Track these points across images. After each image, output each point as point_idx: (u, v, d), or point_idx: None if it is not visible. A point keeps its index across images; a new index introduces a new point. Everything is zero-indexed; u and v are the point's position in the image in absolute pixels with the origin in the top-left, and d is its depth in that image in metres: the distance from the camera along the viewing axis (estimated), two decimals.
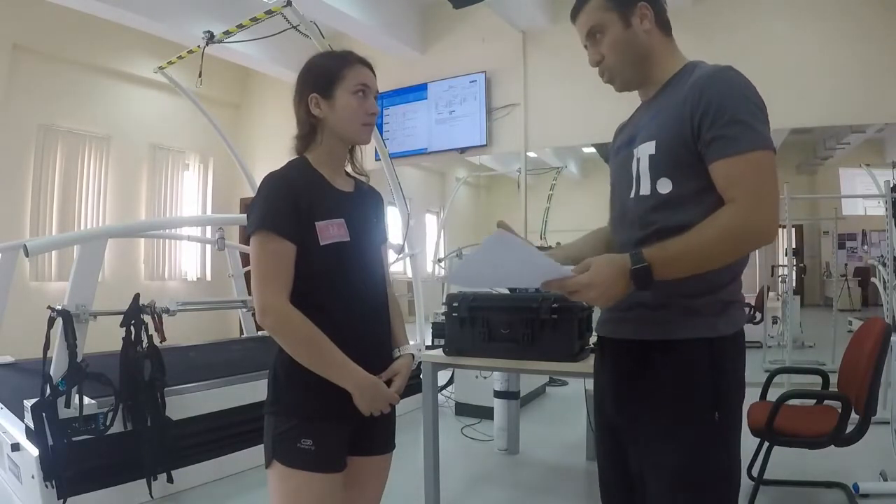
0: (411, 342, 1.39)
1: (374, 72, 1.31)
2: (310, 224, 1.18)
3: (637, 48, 1.13)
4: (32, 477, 2.28)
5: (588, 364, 2.05)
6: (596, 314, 2.48)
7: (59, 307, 2.49)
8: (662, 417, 1.05)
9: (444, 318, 2.35)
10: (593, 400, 1.29)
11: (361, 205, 1.32)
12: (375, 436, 1.30)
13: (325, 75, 1.25)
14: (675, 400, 1.04)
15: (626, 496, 1.17)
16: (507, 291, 2.25)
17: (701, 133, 1.01)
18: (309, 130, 1.28)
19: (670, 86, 1.12)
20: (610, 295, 0.96)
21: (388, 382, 1.26)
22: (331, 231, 1.20)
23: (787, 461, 2.54)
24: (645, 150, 1.09)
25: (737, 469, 1.08)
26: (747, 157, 0.97)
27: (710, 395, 1.03)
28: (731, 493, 1.06)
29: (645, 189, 1.09)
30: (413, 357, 1.35)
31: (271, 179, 1.20)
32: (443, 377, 3.46)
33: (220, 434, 2.88)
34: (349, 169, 1.37)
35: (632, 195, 1.12)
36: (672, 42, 1.17)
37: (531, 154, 5.93)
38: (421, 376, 2.33)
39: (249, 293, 1.14)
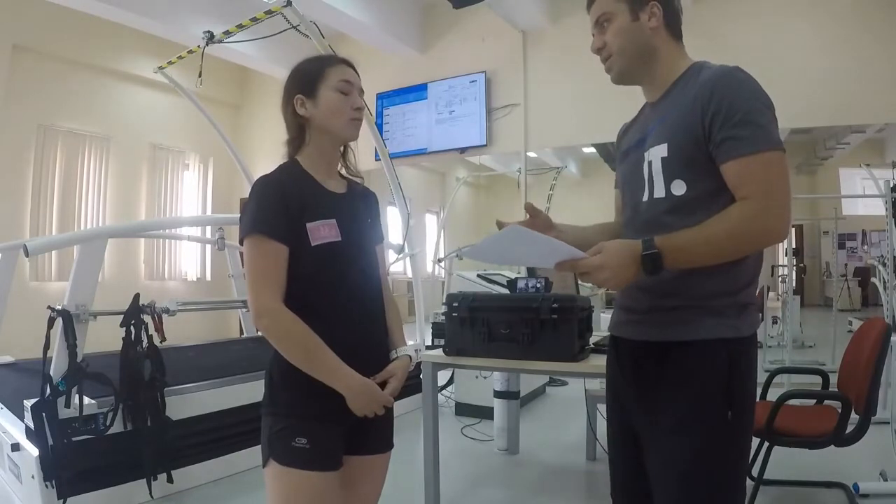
0: (411, 342, 1.39)
1: (356, 70, 1.32)
2: (301, 225, 1.19)
3: (640, 41, 1.13)
4: (32, 477, 2.28)
5: (588, 364, 2.06)
6: (596, 315, 2.48)
7: (59, 307, 2.49)
8: (677, 416, 1.06)
9: (444, 318, 2.34)
10: (606, 399, 1.29)
11: (354, 205, 1.32)
12: (373, 435, 1.30)
13: (308, 76, 1.27)
14: (691, 399, 1.05)
15: (639, 494, 1.17)
16: (507, 291, 2.25)
17: (712, 134, 1.01)
18: (297, 132, 1.29)
19: (677, 86, 1.12)
20: (621, 278, 0.98)
21: (384, 384, 1.26)
22: (322, 232, 1.21)
23: (787, 461, 2.54)
24: (657, 153, 1.09)
25: (745, 469, 1.09)
26: (759, 157, 0.98)
27: (725, 395, 1.03)
28: (738, 493, 1.07)
29: (659, 192, 1.09)
30: (410, 359, 1.35)
31: (261, 183, 1.21)
32: (443, 377, 3.46)
33: (220, 434, 2.88)
34: (343, 171, 1.37)
35: (645, 198, 1.13)
36: (680, 46, 1.17)
37: (531, 154, 5.93)
38: (421, 376, 2.33)
39: None
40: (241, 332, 5.00)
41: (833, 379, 2.47)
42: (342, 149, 1.35)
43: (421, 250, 5.75)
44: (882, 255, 4.90)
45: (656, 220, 1.09)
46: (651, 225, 1.10)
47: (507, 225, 1.08)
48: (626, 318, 1.18)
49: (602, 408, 3.35)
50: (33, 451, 2.28)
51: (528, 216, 1.22)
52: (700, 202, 1.04)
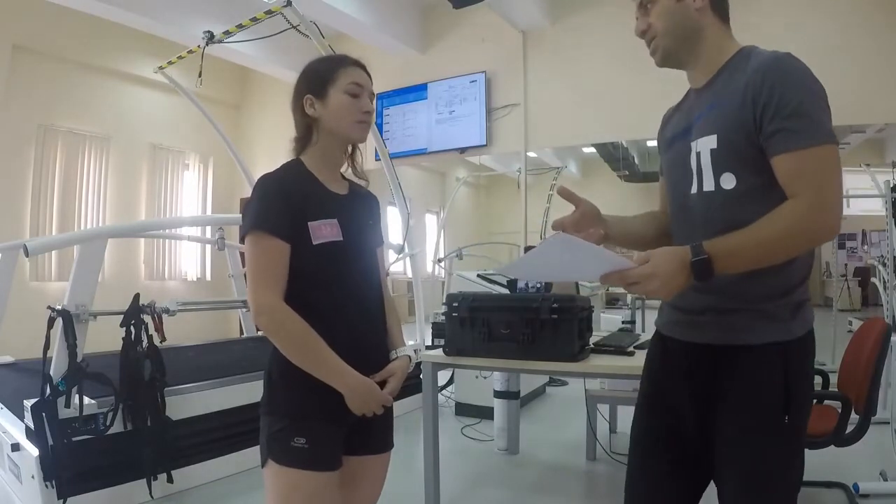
0: (410, 342, 1.39)
1: (368, 73, 1.32)
2: (302, 224, 1.20)
3: (686, 22, 1.10)
4: (32, 477, 2.28)
5: (588, 364, 2.06)
6: (596, 315, 2.48)
7: (59, 307, 2.49)
8: (735, 422, 1.04)
9: (444, 318, 2.34)
10: (646, 397, 1.24)
11: (354, 207, 1.33)
12: (372, 435, 1.30)
13: (319, 76, 1.27)
14: (748, 405, 1.03)
15: (665, 493, 1.16)
16: (507, 291, 2.25)
17: (763, 124, 0.98)
18: (305, 132, 1.29)
19: (726, 71, 1.09)
20: (671, 286, 0.95)
21: (383, 383, 1.26)
22: (323, 231, 1.21)
23: None
24: (705, 144, 1.06)
25: (802, 468, 1.08)
26: (811, 151, 0.94)
27: (782, 399, 1.01)
28: (795, 494, 1.06)
29: (708, 185, 1.07)
30: (409, 359, 1.35)
31: (265, 181, 1.22)
32: (443, 377, 3.46)
33: (220, 434, 2.88)
34: (349, 172, 1.38)
35: (693, 191, 1.10)
36: (727, 28, 1.14)
37: (531, 154, 5.93)
38: (421, 376, 2.33)
39: None
40: (241, 332, 5.00)
41: (833, 379, 2.47)
42: (350, 150, 1.35)
43: (421, 250, 5.76)
44: (882, 255, 4.91)
45: (707, 214, 1.07)
46: (702, 219, 1.08)
47: (555, 233, 1.02)
48: (678, 318, 1.15)
49: (602, 408, 3.35)
50: (33, 451, 2.28)
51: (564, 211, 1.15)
52: (751, 196, 1.01)
